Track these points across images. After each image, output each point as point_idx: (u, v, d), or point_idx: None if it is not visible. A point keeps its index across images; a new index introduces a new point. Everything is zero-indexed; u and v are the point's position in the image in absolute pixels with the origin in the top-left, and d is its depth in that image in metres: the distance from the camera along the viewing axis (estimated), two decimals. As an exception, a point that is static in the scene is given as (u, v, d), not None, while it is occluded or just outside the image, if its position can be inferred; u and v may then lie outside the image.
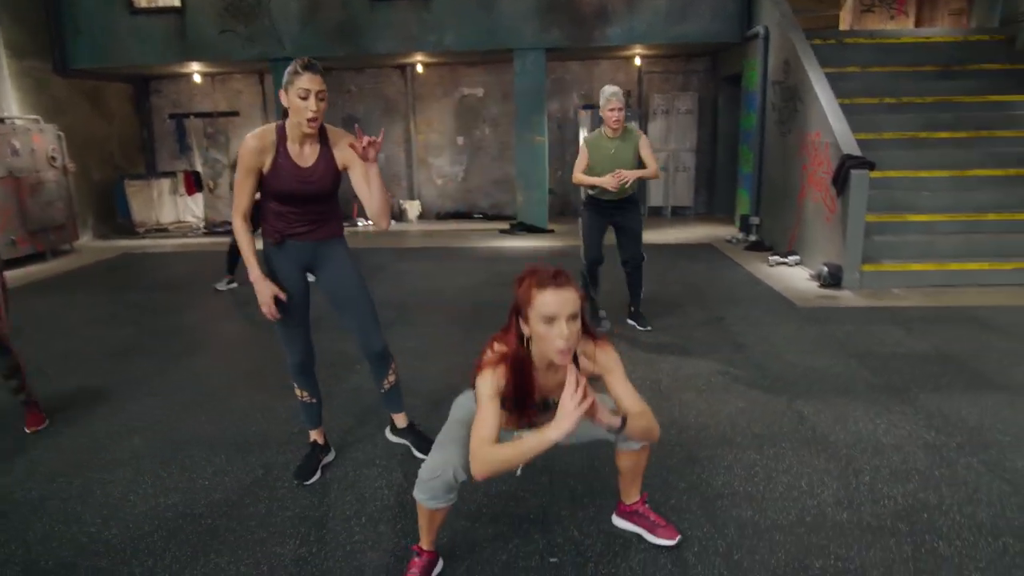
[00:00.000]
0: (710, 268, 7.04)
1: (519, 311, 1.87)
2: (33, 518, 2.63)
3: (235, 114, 11.20)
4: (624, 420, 1.87)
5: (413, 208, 11.31)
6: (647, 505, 2.42)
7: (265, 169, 2.48)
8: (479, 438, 1.84)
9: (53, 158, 8.47)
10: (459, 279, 6.76)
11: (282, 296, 2.58)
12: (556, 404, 1.82)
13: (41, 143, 8.33)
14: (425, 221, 11.39)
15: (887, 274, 6.00)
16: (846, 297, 5.70)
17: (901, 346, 4.38)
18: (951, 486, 2.70)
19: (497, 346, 1.96)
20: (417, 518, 2.15)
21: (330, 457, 3.00)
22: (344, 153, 2.53)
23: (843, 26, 9.89)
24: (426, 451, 2.82)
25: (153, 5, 9.14)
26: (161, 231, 10.46)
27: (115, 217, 10.36)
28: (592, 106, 10.79)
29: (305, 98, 2.35)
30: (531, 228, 9.67)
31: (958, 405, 3.45)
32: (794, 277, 6.48)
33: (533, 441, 1.76)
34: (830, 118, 6.33)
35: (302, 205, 2.55)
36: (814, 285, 6.12)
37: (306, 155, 2.50)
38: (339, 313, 2.78)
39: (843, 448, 3.03)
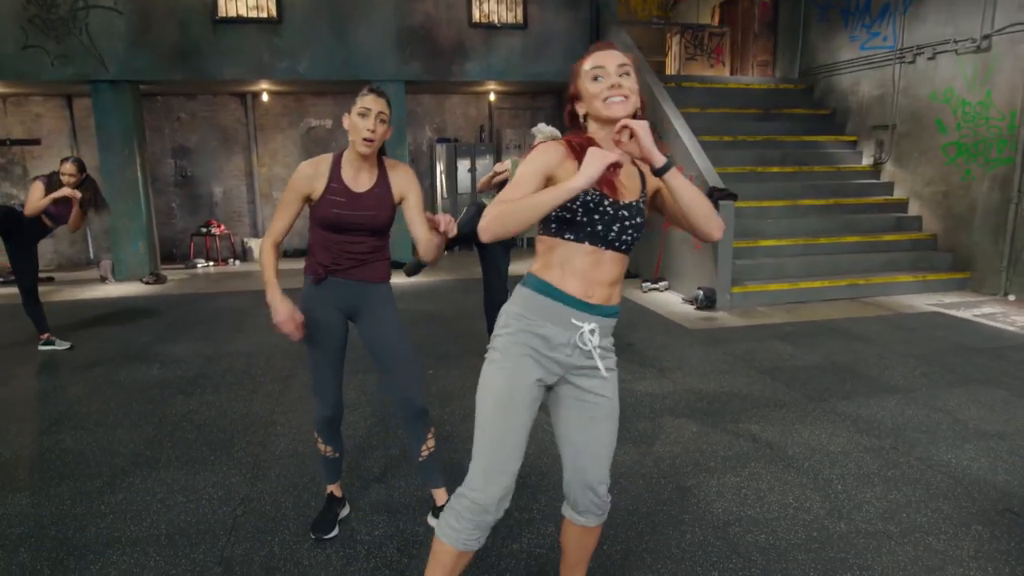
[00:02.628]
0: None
1: (574, 97, 1.75)
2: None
3: (35, 142, 9.60)
4: (671, 158, 1.67)
5: (258, 246, 10.41)
6: None
7: (316, 196, 2.34)
8: (500, 199, 1.61)
9: None
10: (345, 321, 6.31)
11: (298, 330, 2.35)
12: (630, 235, 1.74)
13: None
14: (273, 260, 10.56)
15: (752, 294, 6.63)
16: (723, 317, 6.19)
17: (797, 359, 4.83)
18: (908, 484, 2.98)
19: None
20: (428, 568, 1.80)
21: (345, 511, 2.77)
22: (401, 185, 2.40)
23: (670, 71, 10.92)
24: None
25: (-73, 11, 7.59)
26: (-64, 282, 8.55)
27: None
28: (447, 139, 10.81)
29: (364, 116, 2.27)
30: (398, 264, 9.34)
31: (870, 410, 3.85)
32: (669, 302, 6.91)
33: (555, 188, 1.56)
34: (693, 154, 6.91)
35: (353, 234, 2.37)
36: (690, 308, 6.57)
37: (361, 181, 2.37)
38: (378, 366, 2.55)
39: (803, 461, 3.23)
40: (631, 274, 8.25)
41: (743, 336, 5.51)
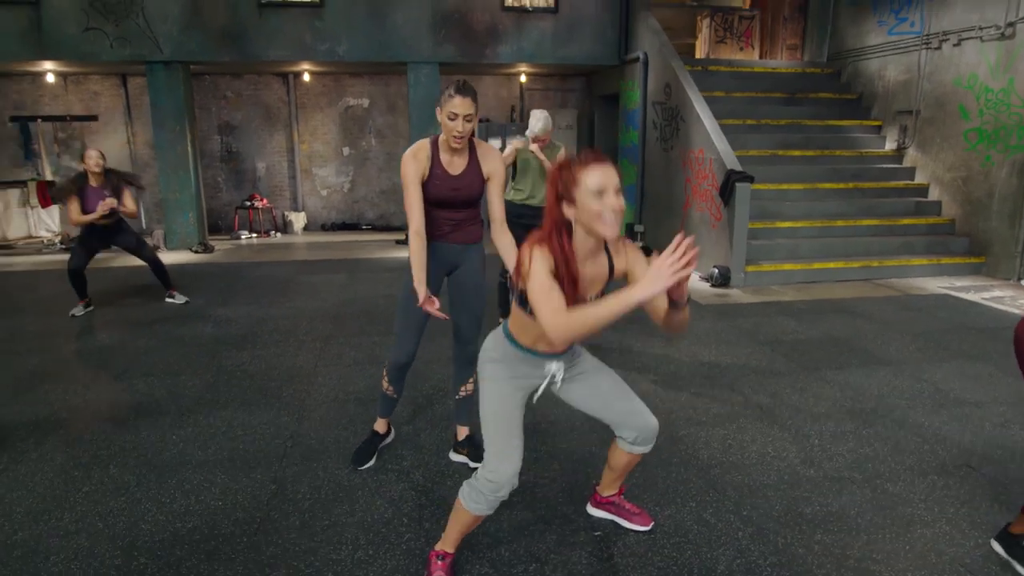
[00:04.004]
0: (611, 272, 7.61)
1: (564, 197, 1.88)
2: (37, 559, 2.43)
3: (93, 118, 10.23)
4: (688, 297, 1.91)
5: (299, 219, 10.98)
6: (623, 496, 2.64)
7: (425, 176, 2.75)
8: (552, 308, 1.80)
9: None
10: (380, 288, 6.78)
11: (440, 316, 2.71)
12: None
13: None
14: (311, 233, 11.11)
15: (766, 273, 6.90)
16: (737, 295, 6.50)
17: (799, 334, 5.14)
18: (879, 441, 3.32)
19: (536, 235, 1.95)
20: (451, 521, 2.26)
21: (390, 439, 3.27)
22: (489, 166, 2.81)
23: (699, 54, 11.06)
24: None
25: (-1, -5, 8.17)
26: (7, 248, 9.29)
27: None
28: (479, 119, 11.16)
29: (453, 119, 2.61)
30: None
31: (859, 378, 4.17)
32: (686, 278, 7.21)
33: (616, 300, 1.70)
34: (713, 137, 7.16)
35: (451, 209, 2.83)
36: (706, 285, 6.88)
37: (456, 164, 2.77)
38: (453, 310, 2.98)
39: (787, 419, 3.58)
40: (650, 252, 8.55)
41: (752, 312, 5.82)
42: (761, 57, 10.82)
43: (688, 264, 1.62)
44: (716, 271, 6.80)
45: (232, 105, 10.63)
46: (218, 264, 8.38)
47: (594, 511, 2.67)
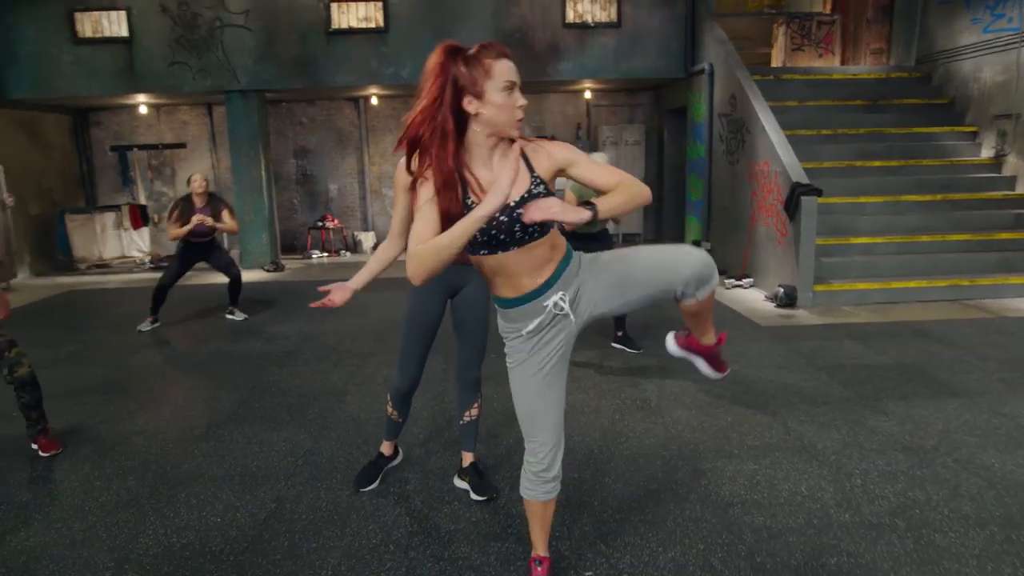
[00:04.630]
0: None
1: (464, 90, 1.71)
2: (39, 567, 2.51)
3: (182, 146, 10.95)
4: (593, 207, 1.69)
5: (367, 239, 11.26)
6: (719, 347, 2.34)
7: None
8: (416, 239, 1.70)
9: (-10, 192, 8.07)
10: (429, 308, 6.79)
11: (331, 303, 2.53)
12: (528, 227, 1.77)
13: (-23, 177, 7.93)
14: (380, 252, 11.36)
15: (837, 293, 6.41)
16: (802, 316, 6.05)
17: (863, 359, 4.70)
18: (934, 484, 2.93)
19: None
20: (528, 521, 2.21)
21: (397, 460, 3.18)
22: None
23: (775, 63, 10.56)
24: (481, 493, 2.88)
25: (99, 35, 8.90)
26: (103, 267, 10.04)
27: (54, 253, 9.89)
28: (544, 137, 11.10)
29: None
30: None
31: (925, 411, 3.74)
32: (750, 298, 6.81)
33: (462, 222, 1.64)
34: (778, 149, 6.76)
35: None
36: (771, 305, 6.46)
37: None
38: (456, 334, 2.89)
39: (831, 454, 3.24)
40: (720, 270, 8.15)
41: (815, 334, 5.39)
42: (843, 63, 10.21)
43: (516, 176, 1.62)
44: (781, 290, 6.38)
45: (307, 130, 11.10)
46: (286, 283, 8.69)
47: (675, 349, 2.43)
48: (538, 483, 2.08)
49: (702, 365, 2.38)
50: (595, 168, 1.85)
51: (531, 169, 1.82)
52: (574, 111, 11.42)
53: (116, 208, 10.26)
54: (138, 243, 10.37)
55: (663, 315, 6.07)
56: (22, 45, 8.84)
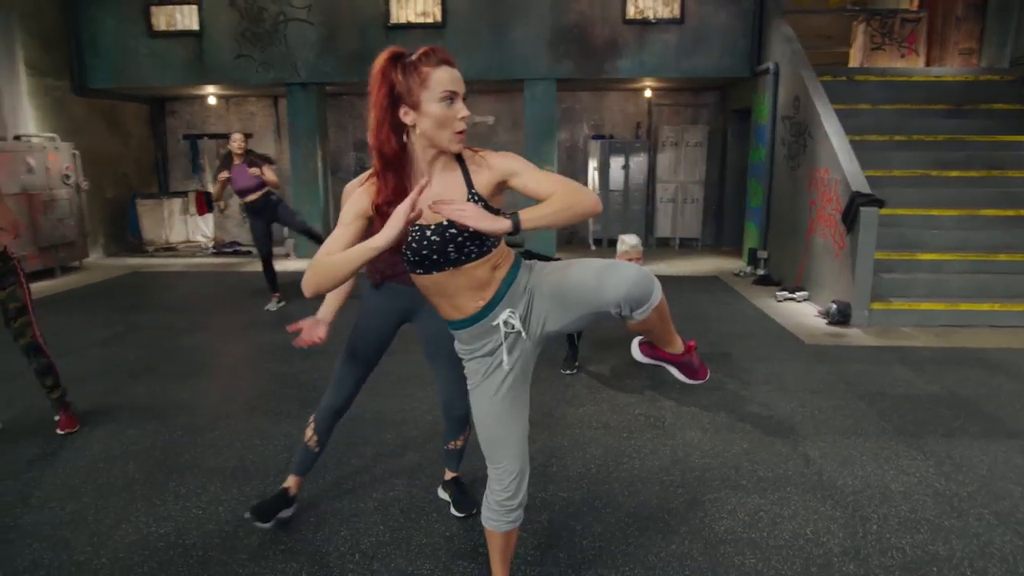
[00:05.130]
0: (717, 301, 6.99)
1: (400, 100, 1.61)
2: (23, 545, 2.58)
3: (248, 136, 11.28)
4: (514, 216, 1.58)
5: (421, 233, 11.33)
6: (692, 353, 2.18)
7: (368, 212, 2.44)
8: (324, 250, 1.65)
9: (67, 176, 8.56)
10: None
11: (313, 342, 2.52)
12: (464, 246, 1.67)
13: (56, 161, 8.42)
14: (433, 246, 11.42)
15: (896, 313, 5.94)
16: (855, 335, 5.64)
17: (911, 388, 4.31)
18: (962, 538, 2.62)
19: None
20: (488, 551, 2.09)
21: (289, 512, 2.74)
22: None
23: (853, 63, 9.91)
24: (461, 509, 2.79)
25: (172, 28, 9.30)
26: (170, 250, 10.51)
27: (125, 235, 10.44)
28: (602, 136, 10.88)
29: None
30: (539, 257, 9.64)
31: (970, 452, 3.37)
32: (801, 313, 6.42)
33: (359, 248, 1.59)
34: (840, 156, 6.32)
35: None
36: (822, 322, 6.05)
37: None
38: (431, 366, 2.73)
39: (850, 494, 2.96)
40: (774, 282, 7.75)
41: (862, 357, 5.00)
42: (928, 64, 9.48)
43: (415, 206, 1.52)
44: (833, 306, 5.96)
45: (367, 123, 11.23)
46: (334, 273, 8.85)
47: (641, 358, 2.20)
48: (501, 512, 1.95)
49: (675, 372, 2.18)
50: (538, 177, 1.70)
51: (470, 184, 1.69)
52: (635, 110, 11.11)
53: (183, 194, 10.72)
54: (203, 228, 10.81)
55: (681, 326, 5.79)
56: (103, 38, 9.33)
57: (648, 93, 10.69)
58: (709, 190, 10.85)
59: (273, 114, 11.26)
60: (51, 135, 8.70)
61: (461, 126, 1.64)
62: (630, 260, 4.30)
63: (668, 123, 10.95)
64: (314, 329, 2.49)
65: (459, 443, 2.85)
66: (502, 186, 1.72)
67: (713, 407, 3.97)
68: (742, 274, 8.42)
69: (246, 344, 5.48)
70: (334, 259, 1.62)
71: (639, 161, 10.64)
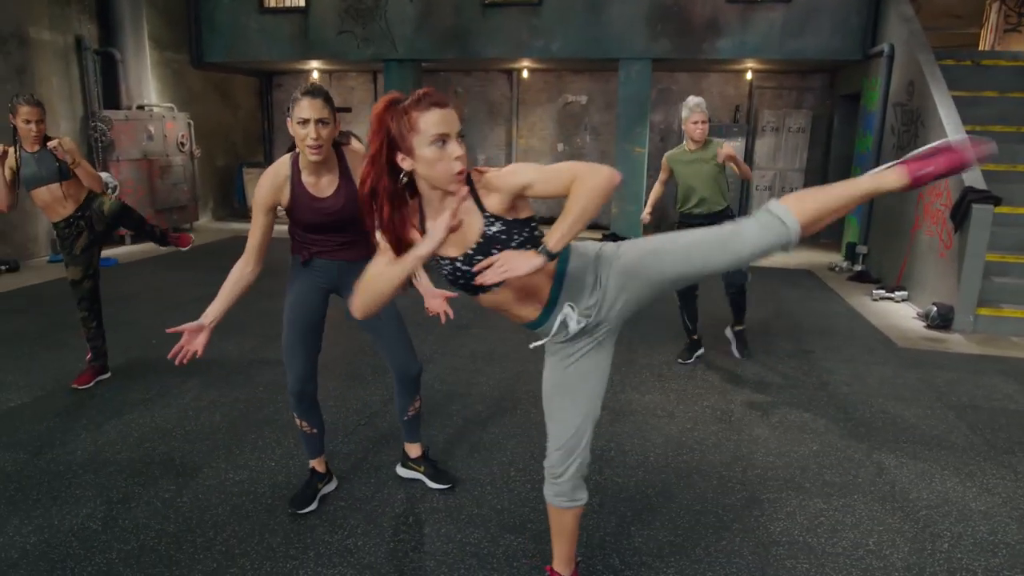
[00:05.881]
0: (807, 296, 6.67)
1: (395, 146, 1.61)
2: (119, 478, 2.87)
3: (347, 110, 11.74)
4: (543, 249, 1.59)
5: (507, 211, 11.43)
6: None
7: (285, 202, 2.40)
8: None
9: (182, 144, 9.22)
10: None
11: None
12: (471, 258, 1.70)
13: (173, 129, 9.08)
14: (518, 225, 11.50)
15: (1006, 320, 5.47)
16: (955, 341, 5.25)
17: (1010, 401, 3.98)
18: (1045, 567, 2.43)
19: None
20: (549, 531, 2.10)
21: (331, 486, 2.79)
22: None
23: (983, 46, 9.10)
24: (441, 481, 2.83)
25: (280, 5, 9.73)
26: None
27: (232, 201, 11.13)
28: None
29: (304, 125, 2.20)
30: (623, 239, 9.52)
31: (1069, 476, 3.10)
32: (898, 314, 6.03)
33: (400, 261, 1.65)
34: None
35: (326, 233, 2.45)
36: (920, 325, 5.67)
37: (323, 185, 2.36)
38: (371, 336, 2.71)
39: (923, 508, 2.79)
40: (872, 279, 7.31)
41: (960, 365, 4.65)
42: (1071, 48, 8.55)
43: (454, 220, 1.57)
44: (934, 309, 5.56)
45: (460, 99, 11.40)
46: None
47: None
48: (549, 481, 1.98)
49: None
50: (547, 177, 1.64)
51: (481, 208, 1.68)
52: (735, 92, 10.67)
53: (285, 165, 11.28)
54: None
55: (766, 320, 5.56)
56: (219, 14, 9.90)
57: (749, 75, 10.24)
58: (810, 179, 10.30)
59: (372, 89, 11.62)
60: (169, 105, 9.37)
61: (458, 166, 1.61)
62: (696, 122, 4.30)
63: (769, 107, 10.46)
64: (193, 338, 2.37)
65: (416, 406, 2.79)
66: (517, 199, 1.70)
67: (785, 405, 3.83)
68: (837, 269, 7.99)
69: (332, 308, 5.74)
70: (378, 280, 1.70)
71: (736, 146, 10.20)
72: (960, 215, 5.46)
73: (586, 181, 1.59)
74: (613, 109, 10.86)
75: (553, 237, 1.59)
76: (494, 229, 1.67)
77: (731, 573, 2.33)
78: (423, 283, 2.67)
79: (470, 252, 1.69)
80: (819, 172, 10.30)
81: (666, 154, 4.55)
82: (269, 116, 12.03)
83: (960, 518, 2.73)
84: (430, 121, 1.57)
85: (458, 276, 1.74)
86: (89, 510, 2.63)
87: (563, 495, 1.97)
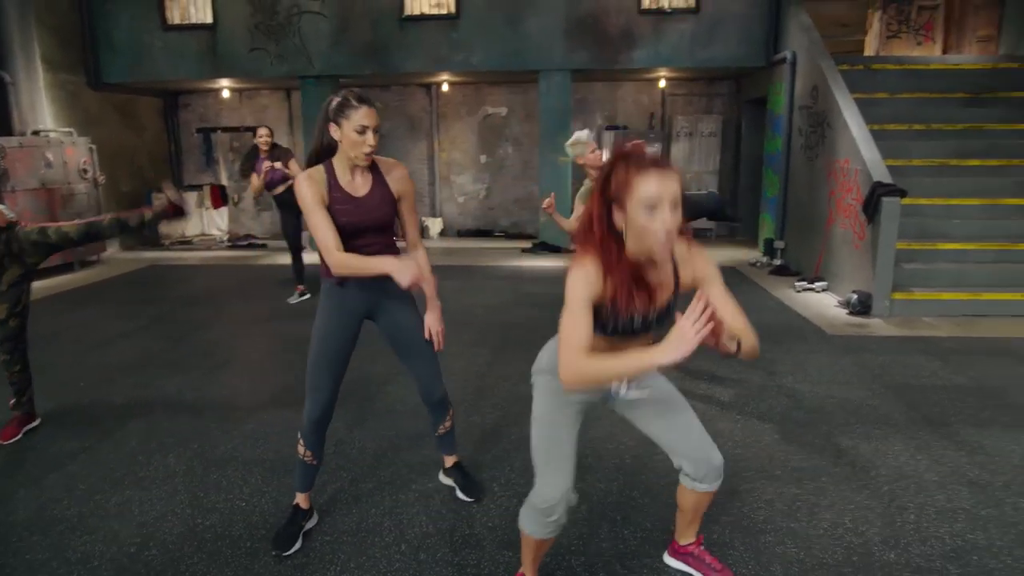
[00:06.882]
0: (737, 292, 6.84)
1: (614, 199, 1.66)
2: (72, 536, 2.63)
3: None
4: (739, 345, 1.68)
5: (435, 225, 11.35)
6: (702, 547, 2.37)
7: (325, 202, 2.38)
8: (571, 346, 1.64)
9: (84, 170, 8.61)
10: (485, 298, 6.76)
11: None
12: (651, 323, 1.81)
13: (73, 155, 8.47)
14: (446, 238, 11.44)
15: (918, 303, 5.93)
16: (876, 325, 5.64)
17: (938, 378, 4.32)
18: (1000, 527, 2.64)
19: (585, 242, 1.75)
20: (521, 548, 2.18)
21: (313, 522, 2.69)
22: (397, 185, 2.50)
23: (869, 52, 9.86)
24: (471, 494, 2.87)
25: (186, 22, 9.30)
26: (185, 243, 10.57)
27: (142, 230, 10.47)
28: (616, 127, 10.86)
29: (363, 133, 2.31)
30: (553, 248, 9.68)
31: (1001, 441, 3.39)
32: (821, 304, 6.42)
33: (636, 359, 1.59)
34: (860, 145, 6.30)
35: (362, 237, 2.44)
36: (843, 312, 6.06)
37: (358, 185, 2.43)
38: (400, 358, 2.70)
39: (885, 484, 2.98)
40: (792, 272, 7.75)
41: (887, 347, 5.00)
42: (945, 52, 9.42)
43: (709, 323, 1.51)
44: (854, 296, 5.96)
45: (380, 115, 11.22)
46: (350, 265, 8.88)
47: (671, 561, 2.40)
48: (545, 526, 2.00)
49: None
50: (728, 300, 1.83)
51: (677, 278, 1.82)
52: (648, 100, 11.07)
53: (199, 188, 10.75)
54: (217, 222, 10.85)
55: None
56: (118, 32, 9.34)
57: (662, 83, 10.65)
58: (723, 180, 10.83)
59: (287, 107, 11.28)
60: (68, 129, 8.74)
61: (663, 235, 1.65)
62: (594, 152, 4.03)
63: (682, 113, 10.92)
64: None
65: (447, 425, 2.85)
66: (692, 287, 1.82)
67: (741, 398, 3.99)
68: (758, 264, 8.42)
69: (269, 337, 5.52)
70: (601, 365, 1.63)
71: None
72: (872, 208, 5.88)
73: (754, 338, 1.78)
74: (533, 120, 11.03)
75: (748, 341, 1.75)
76: (672, 301, 1.79)
77: (729, 563, 2.40)
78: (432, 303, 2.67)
79: (656, 313, 1.82)
80: (731, 174, 10.84)
81: (577, 197, 4.39)
82: (176, 137, 11.44)
83: (919, 490, 2.92)
84: (646, 186, 1.61)
85: (626, 326, 1.80)
86: (47, 573, 2.40)
87: (553, 531, 2.03)
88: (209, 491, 2.97)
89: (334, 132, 2.34)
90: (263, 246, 10.41)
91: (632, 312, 1.76)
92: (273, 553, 2.50)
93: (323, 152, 2.42)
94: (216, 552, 2.52)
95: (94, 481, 3.06)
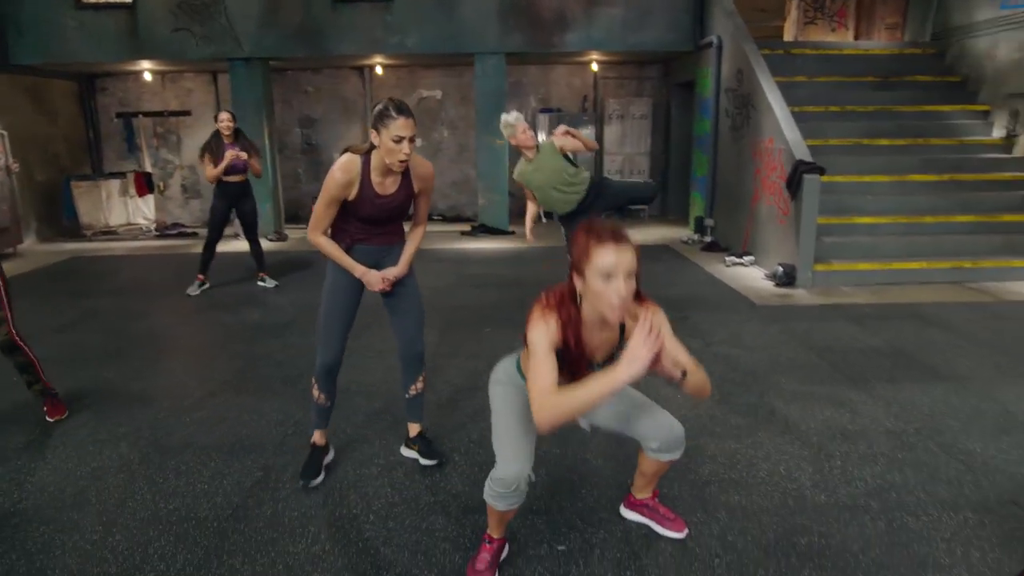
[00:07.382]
0: (670, 269, 7.30)
1: (574, 267, 1.87)
2: (29, 528, 2.59)
3: (187, 113, 10.92)
4: (684, 373, 1.87)
5: (372, 210, 11.25)
6: (657, 500, 2.55)
7: (351, 197, 2.61)
8: (540, 389, 1.78)
9: (-5, 158, 8.12)
10: (429, 280, 6.81)
11: (389, 277, 2.78)
12: (602, 366, 1.95)
13: (-18, 142, 7.96)
14: (384, 223, 11.36)
15: (837, 273, 6.37)
16: (800, 295, 6.03)
17: (856, 341, 4.69)
18: (913, 467, 2.95)
19: (547, 299, 1.94)
20: (487, 516, 2.28)
21: (330, 457, 3.03)
22: (421, 183, 2.74)
23: (787, 37, 10.37)
24: (431, 457, 2.99)
25: (102, 1, 8.84)
26: (109, 233, 10.11)
27: (60, 219, 9.96)
28: (550, 109, 11.02)
29: (399, 142, 2.45)
30: (492, 230, 9.79)
31: (911, 395, 3.74)
32: (750, 277, 6.79)
33: (600, 383, 1.71)
34: (783, 126, 6.67)
35: (377, 224, 2.74)
36: (770, 284, 6.44)
37: (387, 184, 2.64)
38: (390, 313, 2.93)
39: (814, 436, 3.26)
40: (722, 248, 8.13)
41: (810, 315, 5.38)
42: (856, 38, 10.00)
43: (658, 339, 1.67)
44: (780, 269, 6.35)
45: (312, 99, 11.03)
46: (288, 252, 8.73)
47: (628, 513, 2.59)
48: (507, 499, 2.12)
49: (657, 527, 2.53)
50: (678, 347, 1.95)
51: (622, 331, 2.01)
52: (581, 83, 11.28)
53: (122, 175, 10.28)
54: (143, 210, 10.42)
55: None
56: (25, 10, 8.79)
57: (594, 67, 10.87)
58: (654, 161, 11.18)
59: (213, 90, 10.90)
60: (-26, 115, 8.20)
61: (616, 301, 1.82)
62: (524, 132, 4.45)
63: (613, 96, 11.17)
64: (378, 280, 2.78)
65: (420, 385, 3.00)
66: None
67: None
68: (690, 242, 8.78)
69: (208, 326, 5.42)
70: (571, 398, 1.75)
71: (586, 133, 10.82)
72: (795, 185, 6.26)
73: (705, 378, 2.01)
74: (468, 103, 11.06)
75: (693, 378, 1.96)
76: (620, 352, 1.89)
77: (680, 514, 2.60)
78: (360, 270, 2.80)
79: (606, 360, 2.05)
80: (662, 155, 11.20)
81: (515, 175, 4.68)
82: (94, 123, 10.88)
83: (843, 440, 3.22)
84: (602, 257, 1.77)
85: (588, 366, 2.01)
86: (6, 566, 2.36)
87: (515, 503, 2.15)
88: (168, 476, 2.96)
89: (373, 137, 2.51)
90: (193, 235, 10.08)
91: (590, 358, 2.01)
92: (300, 483, 2.82)
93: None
94: (183, 534, 2.53)
95: (45, 474, 3.00)
